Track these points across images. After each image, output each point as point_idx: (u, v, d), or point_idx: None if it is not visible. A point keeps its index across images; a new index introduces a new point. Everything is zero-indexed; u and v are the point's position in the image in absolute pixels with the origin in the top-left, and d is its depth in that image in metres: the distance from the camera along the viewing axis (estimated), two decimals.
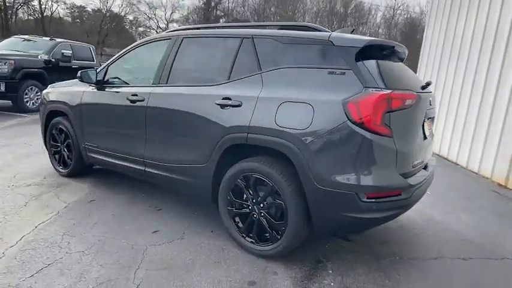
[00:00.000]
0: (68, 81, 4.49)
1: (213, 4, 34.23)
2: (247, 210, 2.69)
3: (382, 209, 2.28)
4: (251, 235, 2.71)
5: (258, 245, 2.67)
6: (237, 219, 2.79)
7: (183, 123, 2.96)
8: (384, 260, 2.78)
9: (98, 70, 3.78)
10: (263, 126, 2.48)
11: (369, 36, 3.49)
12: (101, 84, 3.72)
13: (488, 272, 2.77)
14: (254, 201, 2.64)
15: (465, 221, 3.77)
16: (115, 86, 3.67)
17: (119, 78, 3.73)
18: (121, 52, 3.76)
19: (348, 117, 2.20)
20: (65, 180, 4.15)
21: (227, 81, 2.79)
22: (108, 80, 3.72)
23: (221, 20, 34.10)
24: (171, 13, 29.42)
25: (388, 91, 2.23)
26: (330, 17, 36.69)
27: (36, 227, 2.99)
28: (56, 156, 4.36)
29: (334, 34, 2.50)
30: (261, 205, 2.61)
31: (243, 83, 2.69)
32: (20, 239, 2.77)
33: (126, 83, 3.68)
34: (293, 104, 2.39)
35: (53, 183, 4.03)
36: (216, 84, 2.83)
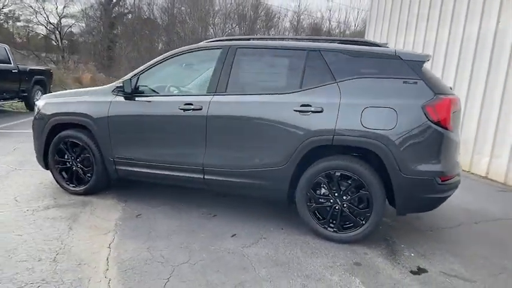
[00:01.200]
0: (65, 91, 4.12)
1: (114, 0, 31.88)
2: (329, 204, 3.04)
3: (448, 189, 2.89)
4: (332, 225, 3.07)
5: (340, 233, 3.04)
6: (317, 213, 3.11)
7: (256, 130, 3.14)
8: (428, 232, 3.44)
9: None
10: (350, 128, 2.86)
11: None
12: (132, 94, 3.58)
13: (492, 228, 3.65)
14: (336, 194, 3.01)
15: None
16: (153, 96, 3.59)
17: (150, 88, 3.65)
18: (154, 61, 3.67)
19: (427, 118, 2.74)
20: (83, 198, 3.83)
21: (300, 89, 3.08)
22: (140, 89, 3.60)
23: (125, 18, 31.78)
24: (64, 7, 26.42)
25: (451, 96, 2.85)
26: (239, 19, 37.77)
27: (108, 247, 2.84)
28: (64, 174, 3.98)
29: (399, 50, 3.02)
30: (344, 197, 2.99)
31: (318, 91, 3.02)
32: (107, 261, 2.63)
33: (164, 92, 3.63)
34: (377, 109, 2.83)
35: (74, 203, 3.70)
36: (289, 93, 3.10)
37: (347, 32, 37.17)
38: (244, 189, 3.34)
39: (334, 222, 3.06)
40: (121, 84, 3.61)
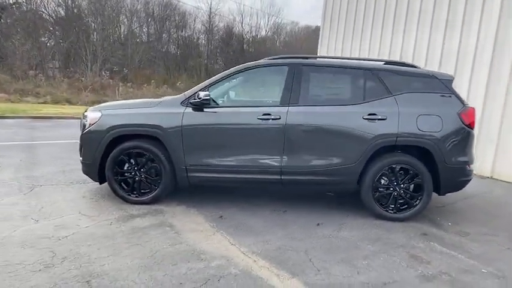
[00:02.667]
0: (116, 102, 4.14)
1: None
2: (390, 191, 3.87)
3: (471, 174, 3.97)
4: (391, 208, 3.89)
5: (397, 214, 3.89)
6: (380, 200, 3.90)
7: (331, 135, 3.79)
8: (443, 207, 4.51)
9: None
10: (409, 132, 3.73)
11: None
12: (205, 105, 3.87)
13: (476, 201, 4.92)
14: (395, 183, 3.85)
15: None
16: (228, 106, 3.95)
17: (223, 99, 4.00)
18: (223, 75, 4.01)
19: (462, 122, 3.76)
20: (151, 207, 3.95)
21: (363, 102, 3.83)
22: (213, 100, 3.91)
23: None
24: None
25: (471, 106, 3.93)
26: (147, 18, 36.57)
27: (232, 244, 3.17)
28: (123, 184, 4.02)
29: (434, 71, 4.00)
30: (402, 185, 3.84)
31: (379, 102, 3.82)
32: (246, 255, 2.99)
33: (237, 103, 4.01)
34: (428, 116, 3.75)
35: (147, 212, 3.81)
36: (355, 104, 3.83)
37: (258, 36, 39.12)
38: (320, 185, 3.95)
39: (393, 205, 3.89)
40: (190, 95, 3.88)
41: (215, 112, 3.89)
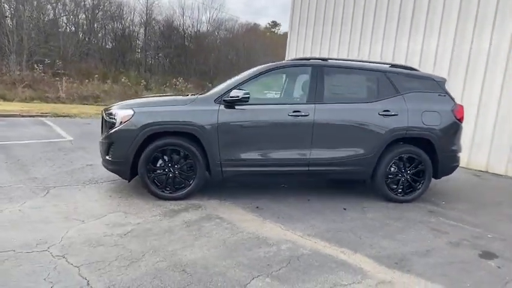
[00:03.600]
0: (150, 99, 4.22)
1: None
2: (399, 177, 4.49)
3: (459, 160, 4.77)
4: (400, 191, 4.52)
5: (405, 196, 4.53)
6: (390, 185, 4.50)
7: (353, 129, 4.28)
8: (435, 186, 5.30)
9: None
10: (417, 126, 4.37)
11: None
12: (237, 103, 4.09)
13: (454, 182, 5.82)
14: (404, 170, 4.48)
15: None
16: (258, 104, 4.21)
17: (253, 97, 4.24)
18: (251, 74, 4.27)
19: (455, 117, 4.52)
20: (188, 202, 4.07)
21: (377, 100, 4.39)
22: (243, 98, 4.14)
23: None
24: None
25: (460, 104, 4.71)
26: (77, 9, 34.13)
27: (293, 230, 3.49)
28: (156, 181, 4.08)
29: (432, 74, 4.69)
30: (409, 171, 4.49)
31: (390, 101, 4.40)
32: (316, 238, 3.34)
33: (266, 101, 4.28)
34: (429, 112, 4.43)
35: (186, 207, 3.94)
36: (371, 102, 4.37)
37: (200, 31, 38.65)
38: (341, 174, 4.43)
39: (401, 189, 4.52)
40: (223, 93, 4.08)
41: (246, 109, 4.13)
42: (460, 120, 4.62)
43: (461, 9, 7.28)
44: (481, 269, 2.98)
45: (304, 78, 4.38)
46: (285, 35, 13.06)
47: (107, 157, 4.09)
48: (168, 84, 23.58)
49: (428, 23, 7.84)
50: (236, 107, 4.09)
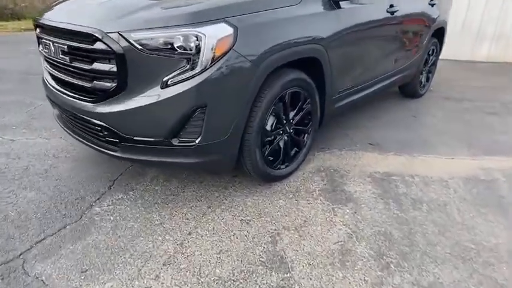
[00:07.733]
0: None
1: None
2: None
3: None
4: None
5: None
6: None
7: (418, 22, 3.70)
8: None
9: None
10: (440, 17, 4.13)
11: None
12: None
13: None
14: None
15: None
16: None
17: None
18: None
19: None
20: (272, 186, 2.48)
21: None
22: None
23: None
24: None
25: None
26: None
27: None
28: (266, 151, 2.29)
29: None
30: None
31: None
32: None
33: None
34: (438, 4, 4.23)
35: (283, 194, 2.49)
36: None
37: None
38: (406, 78, 3.93)
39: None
40: None
41: (355, 8, 2.63)
42: None
43: None
44: None
45: None
46: None
47: (187, 141, 1.83)
48: None
49: None
50: (342, 4, 2.51)
